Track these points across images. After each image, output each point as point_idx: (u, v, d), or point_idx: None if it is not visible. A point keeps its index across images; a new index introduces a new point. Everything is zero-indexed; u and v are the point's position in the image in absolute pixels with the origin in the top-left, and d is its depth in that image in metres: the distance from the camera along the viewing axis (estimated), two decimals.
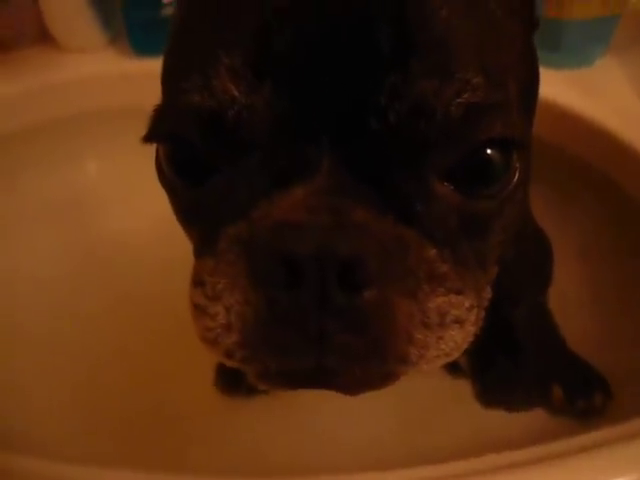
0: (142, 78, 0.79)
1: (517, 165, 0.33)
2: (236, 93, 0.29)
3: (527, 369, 0.63)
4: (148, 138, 0.35)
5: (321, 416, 0.59)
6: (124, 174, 0.82)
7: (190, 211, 0.35)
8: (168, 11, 0.78)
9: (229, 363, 0.31)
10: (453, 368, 0.65)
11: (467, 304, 0.32)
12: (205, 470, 0.55)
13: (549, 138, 0.67)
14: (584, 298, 0.68)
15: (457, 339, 0.31)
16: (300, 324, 0.28)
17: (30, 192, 0.81)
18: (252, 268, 0.29)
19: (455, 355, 0.32)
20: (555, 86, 0.69)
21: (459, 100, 0.29)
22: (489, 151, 0.31)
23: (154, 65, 0.84)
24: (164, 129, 0.34)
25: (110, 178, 0.84)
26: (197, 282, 0.32)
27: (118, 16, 0.83)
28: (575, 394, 0.61)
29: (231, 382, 0.66)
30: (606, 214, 0.69)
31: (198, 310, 0.32)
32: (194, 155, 0.33)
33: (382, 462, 0.43)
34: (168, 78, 0.37)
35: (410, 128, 0.29)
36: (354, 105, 0.29)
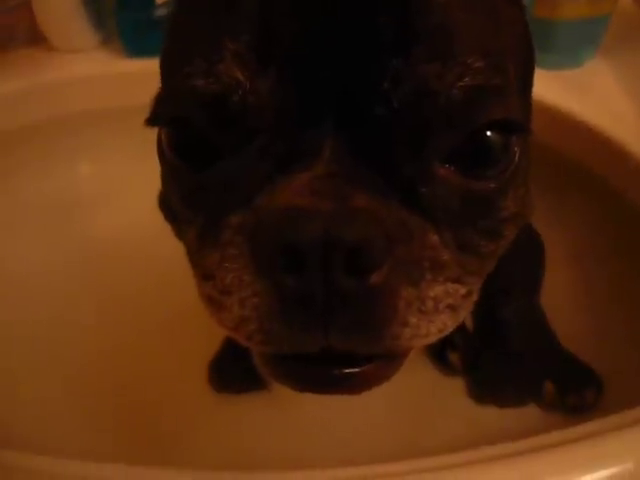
0: (134, 79, 0.79)
1: (516, 148, 0.33)
2: (241, 78, 0.30)
3: (519, 365, 0.64)
4: (150, 121, 0.35)
5: (314, 412, 0.59)
6: (116, 174, 0.83)
7: (191, 197, 0.35)
8: (160, 12, 0.79)
9: (249, 345, 0.32)
10: (446, 364, 0.66)
11: (463, 291, 0.32)
12: (199, 465, 0.55)
13: (538, 138, 0.68)
14: (576, 295, 0.68)
15: (448, 323, 0.32)
16: (307, 308, 0.29)
17: (21, 192, 0.81)
18: (257, 257, 0.29)
19: (443, 335, 0.33)
20: (545, 86, 0.70)
21: (461, 83, 0.30)
22: (489, 133, 0.32)
23: (146, 66, 0.85)
24: (167, 113, 0.34)
25: (102, 178, 0.84)
26: (206, 275, 0.33)
27: (110, 17, 0.84)
28: (567, 390, 0.61)
29: (225, 379, 0.66)
30: (596, 211, 0.70)
31: (213, 303, 0.32)
32: (197, 139, 0.33)
33: (376, 456, 0.43)
34: (169, 62, 0.37)
35: (413, 111, 0.30)
36: (357, 90, 0.30)
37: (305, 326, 0.29)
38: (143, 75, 0.80)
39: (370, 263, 0.28)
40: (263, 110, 0.30)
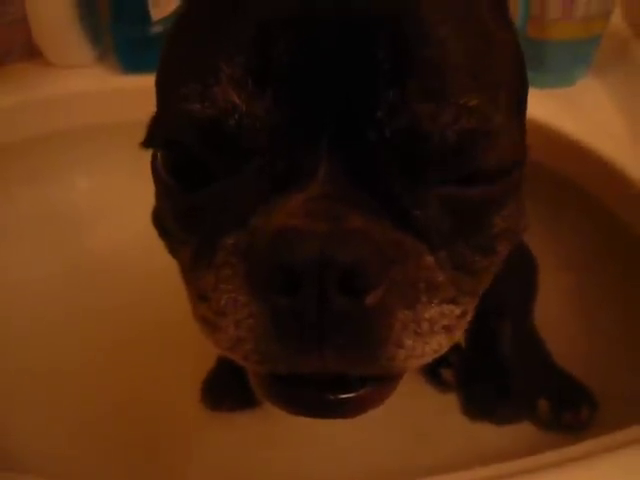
0: (130, 95, 0.80)
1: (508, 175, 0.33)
2: (237, 101, 0.30)
3: (513, 383, 0.64)
4: (146, 144, 0.35)
5: (308, 430, 0.59)
6: (112, 188, 0.82)
7: (186, 217, 0.35)
8: (157, 29, 0.79)
9: (245, 365, 0.32)
10: (440, 381, 0.65)
11: (458, 312, 0.33)
12: None
13: (531, 156, 0.68)
14: (569, 312, 0.69)
15: (443, 343, 0.32)
16: (302, 329, 0.29)
17: (17, 206, 0.80)
18: (253, 278, 0.29)
19: (438, 355, 0.33)
20: (537, 105, 0.71)
21: (455, 126, 0.30)
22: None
23: (142, 82, 0.85)
24: (162, 135, 0.35)
25: (98, 192, 0.84)
26: (201, 297, 0.32)
27: (107, 33, 0.84)
28: (561, 408, 0.61)
29: (218, 397, 0.65)
30: (589, 226, 0.71)
31: (208, 324, 0.32)
32: (192, 161, 0.33)
33: (369, 474, 0.43)
34: (165, 84, 0.37)
35: (406, 145, 0.30)
36: (352, 116, 0.30)
37: (301, 347, 0.29)
38: (139, 91, 0.81)
39: (365, 284, 0.28)
40: (259, 133, 0.30)
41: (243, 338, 0.30)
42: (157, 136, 0.35)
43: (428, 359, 0.32)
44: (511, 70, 0.36)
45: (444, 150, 0.30)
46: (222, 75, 0.30)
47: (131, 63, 0.82)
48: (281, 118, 0.30)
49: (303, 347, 0.29)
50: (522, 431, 0.61)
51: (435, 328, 0.31)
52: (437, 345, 0.32)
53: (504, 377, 0.64)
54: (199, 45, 0.33)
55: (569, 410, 0.61)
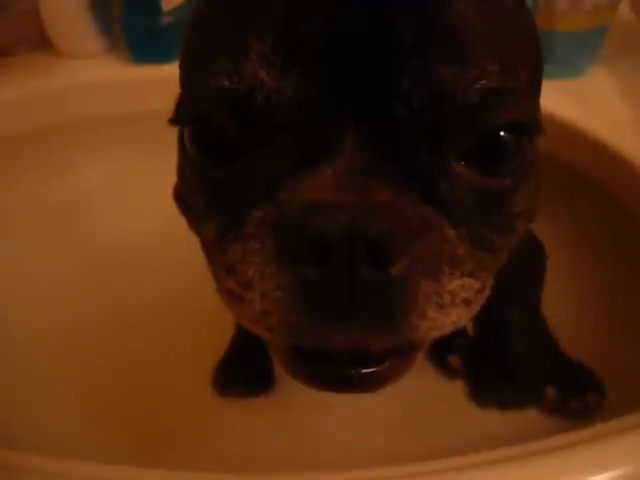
0: (140, 86, 0.80)
1: (528, 147, 0.34)
2: (266, 77, 0.31)
3: (520, 370, 0.64)
4: (173, 121, 0.36)
5: (315, 416, 0.60)
6: (122, 179, 0.83)
7: (213, 193, 0.36)
8: (167, 19, 0.79)
9: (270, 337, 0.32)
10: (448, 368, 0.66)
11: (477, 286, 0.33)
12: (202, 467, 0.56)
13: (540, 145, 0.68)
14: (576, 299, 0.69)
15: (462, 316, 0.33)
16: (330, 300, 0.29)
17: (26, 197, 0.81)
18: (281, 249, 0.30)
19: (456, 327, 0.33)
20: (545, 95, 0.71)
21: (477, 85, 0.31)
22: (502, 133, 0.33)
23: (152, 73, 0.85)
24: (190, 112, 0.35)
25: (108, 183, 0.84)
26: (227, 270, 0.33)
27: (117, 24, 0.84)
28: (568, 395, 0.62)
29: (228, 383, 0.66)
30: (596, 216, 0.71)
31: (234, 297, 0.33)
32: (219, 137, 0.34)
33: (375, 460, 0.43)
34: (191, 64, 0.38)
35: (431, 111, 0.31)
36: (378, 90, 0.31)
37: (327, 318, 0.30)
38: (149, 82, 0.82)
39: (392, 255, 0.29)
40: (287, 108, 0.31)
41: (269, 310, 0.31)
42: (185, 113, 0.36)
43: (447, 331, 0.33)
44: (530, 49, 0.37)
45: (467, 110, 0.31)
46: (251, 52, 0.31)
47: (141, 53, 0.82)
48: (309, 94, 0.31)
49: (330, 318, 0.30)
50: (529, 418, 0.62)
51: (456, 300, 0.32)
52: (456, 317, 0.32)
53: (511, 364, 0.64)
54: (227, 24, 0.34)
55: (576, 397, 0.61)
